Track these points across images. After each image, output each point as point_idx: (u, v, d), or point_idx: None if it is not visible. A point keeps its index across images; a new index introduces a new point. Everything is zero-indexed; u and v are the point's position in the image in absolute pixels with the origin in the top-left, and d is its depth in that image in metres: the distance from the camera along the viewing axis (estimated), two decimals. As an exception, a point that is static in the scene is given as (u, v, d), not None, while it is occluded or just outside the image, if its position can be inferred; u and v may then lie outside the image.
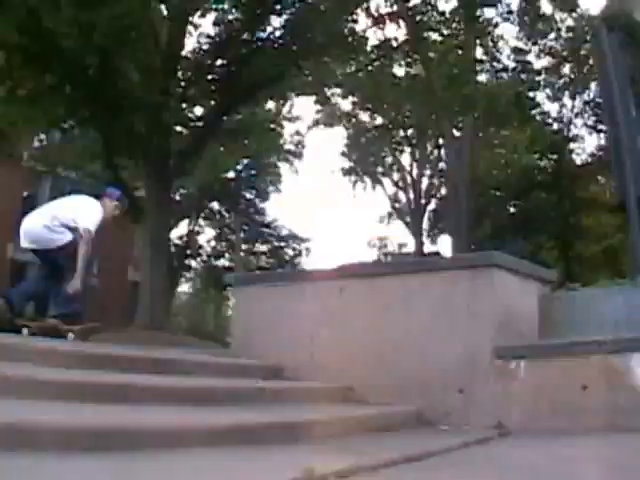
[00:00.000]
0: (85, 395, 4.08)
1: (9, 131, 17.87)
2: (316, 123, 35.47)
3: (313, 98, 27.01)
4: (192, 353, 7.61)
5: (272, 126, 30.27)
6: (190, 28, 18.69)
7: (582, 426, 5.27)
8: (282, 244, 46.09)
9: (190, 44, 19.34)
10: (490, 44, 28.13)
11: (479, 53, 27.87)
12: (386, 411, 5.66)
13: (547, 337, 6.17)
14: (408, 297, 6.26)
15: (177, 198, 31.89)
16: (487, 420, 5.61)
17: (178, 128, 19.59)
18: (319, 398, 5.83)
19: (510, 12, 26.99)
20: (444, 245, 39.70)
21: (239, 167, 36.95)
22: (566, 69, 33.54)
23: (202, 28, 19.00)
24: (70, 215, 7.70)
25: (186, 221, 38.52)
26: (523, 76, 31.85)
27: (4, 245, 26.81)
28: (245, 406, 4.87)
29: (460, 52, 21.70)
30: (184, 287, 50.20)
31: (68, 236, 7.61)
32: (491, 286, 5.97)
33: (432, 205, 37.63)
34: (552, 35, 31.38)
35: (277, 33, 18.83)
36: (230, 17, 18.88)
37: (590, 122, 34.15)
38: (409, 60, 21.47)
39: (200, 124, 19.80)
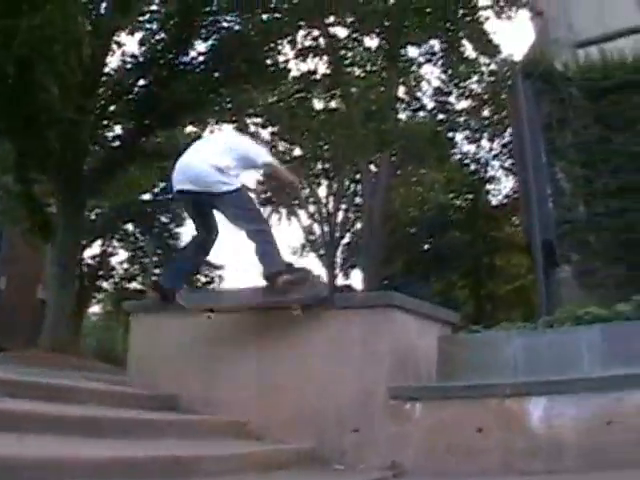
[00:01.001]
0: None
1: None
2: (235, 150, 35.09)
3: (233, 125, 26.87)
4: (86, 380, 7.34)
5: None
6: (114, 46, 18.39)
7: (477, 468, 5.28)
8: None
9: (113, 62, 19.05)
10: (412, 83, 28.51)
11: (401, 92, 28.25)
12: (279, 448, 5.57)
13: (446, 379, 6.17)
14: (306, 333, 6.19)
15: (92, 217, 31.30)
16: (382, 460, 5.57)
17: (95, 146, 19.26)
18: (212, 432, 5.71)
19: (433, 54, 27.40)
20: (356, 279, 39.82)
21: (156, 190, 36.39)
22: (486, 112, 34.09)
23: (126, 47, 18.73)
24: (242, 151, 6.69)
25: (100, 241, 37.79)
26: (443, 116, 32.26)
27: None
28: (135, 438, 4.74)
29: (382, 89, 21.93)
30: (95, 308, 49.14)
31: (238, 182, 6.39)
32: (389, 326, 5.95)
33: (347, 239, 37.69)
34: (475, 78, 31.87)
35: (200, 58, 18.73)
36: (157, 37, 18.69)
37: (507, 164, 34.72)
38: (329, 94, 21.60)
39: (117, 144, 19.52)
